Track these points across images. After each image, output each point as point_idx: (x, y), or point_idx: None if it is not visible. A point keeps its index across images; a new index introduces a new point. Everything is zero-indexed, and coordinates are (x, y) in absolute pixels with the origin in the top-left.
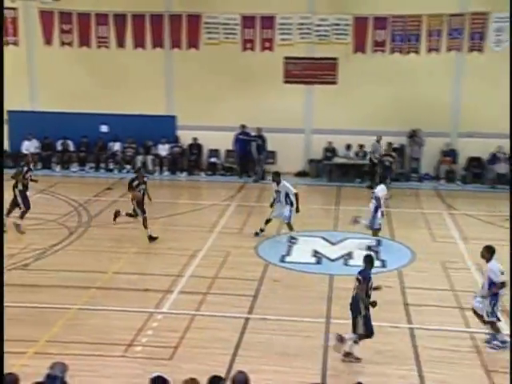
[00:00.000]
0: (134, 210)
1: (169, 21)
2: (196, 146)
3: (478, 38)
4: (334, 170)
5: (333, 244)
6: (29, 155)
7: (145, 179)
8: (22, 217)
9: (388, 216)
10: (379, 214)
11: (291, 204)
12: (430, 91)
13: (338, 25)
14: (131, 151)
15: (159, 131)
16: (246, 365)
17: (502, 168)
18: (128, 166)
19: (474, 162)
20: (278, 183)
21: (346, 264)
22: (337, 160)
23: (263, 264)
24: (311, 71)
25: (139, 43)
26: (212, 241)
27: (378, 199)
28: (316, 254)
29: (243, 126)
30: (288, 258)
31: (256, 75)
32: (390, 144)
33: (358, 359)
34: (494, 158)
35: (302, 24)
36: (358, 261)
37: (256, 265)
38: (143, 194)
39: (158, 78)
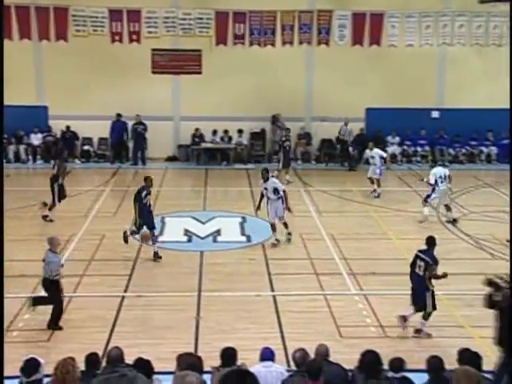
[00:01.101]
0: (136, 223)
1: (35, 13)
2: (69, 135)
3: (324, 32)
4: (202, 154)
5: (202, 223)
6: (65, 150)
7: (150, 189)
8: (50, 208)
9: (251, 195)
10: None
11: (282, 200)
12: (286, 80)
13: (200, 19)
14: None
15: (31, 121)
16: (123, 340)
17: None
18: None
19: (326, 142)
20: (266, 180)
21: (215, 241)
22: (204, 145)
23: (137, 245)
24: (177, 62)
25: (6, 34)
26: (87, 225)
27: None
28: (187, 232)
29: (119, 115)
30: (161, 238)
31: (125, 66)
32: (287, 129)
33: (428, 335)
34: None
35: (167, 18)
36: (226, 237)
37: (130, 246)
38: (149, 206)
39: (28, 68)
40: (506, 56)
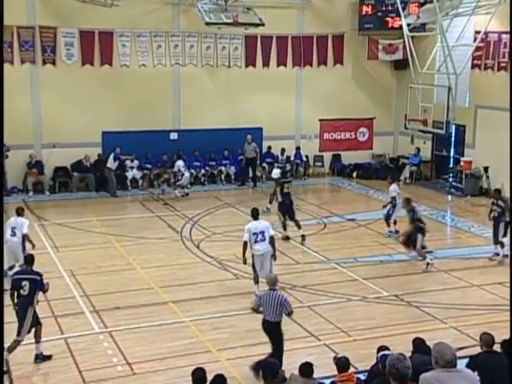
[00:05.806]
0: None
1: None
2: None
3: (50, 51)
4: None
5: None
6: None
7: None
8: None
9: None
10: None
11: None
12: (9, 104)
13: None
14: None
15: None
16: None
17: (88, 177)
18: None
19: (60, 171)
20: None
21: None
22: None
23: None
24: None
25: None
26: None
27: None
28: None
29: None
30: None
31: None
32: None
33: None
34: (79, 165)
35: None
36: None
37: None
38: None
39: None
40: (234, 77)
